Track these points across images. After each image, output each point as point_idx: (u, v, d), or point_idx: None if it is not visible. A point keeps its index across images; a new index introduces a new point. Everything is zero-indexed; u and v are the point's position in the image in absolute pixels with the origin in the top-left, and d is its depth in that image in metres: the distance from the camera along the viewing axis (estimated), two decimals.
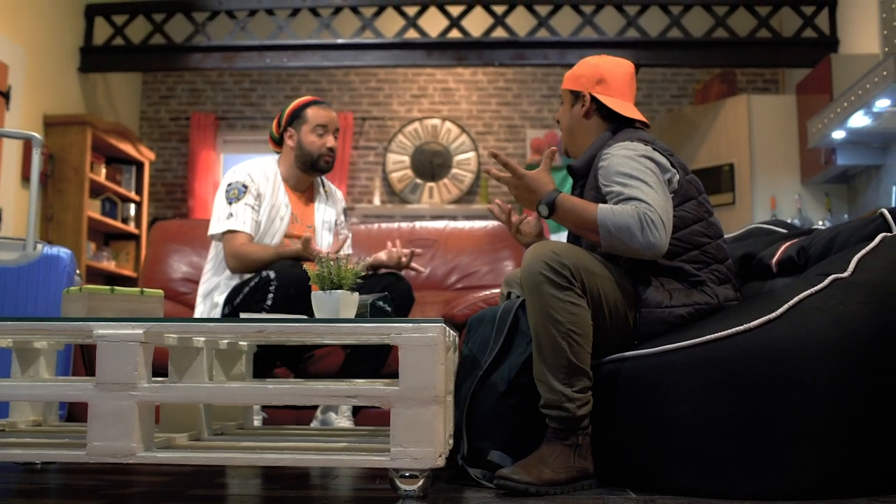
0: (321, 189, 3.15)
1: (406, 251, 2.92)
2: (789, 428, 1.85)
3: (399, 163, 7.21)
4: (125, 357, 1.74)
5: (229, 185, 2.94)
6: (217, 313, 2.90)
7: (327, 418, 2.88)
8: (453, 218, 6.64)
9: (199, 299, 2.99)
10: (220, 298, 2.90)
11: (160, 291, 2.13)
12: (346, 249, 3.15)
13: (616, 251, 2.01)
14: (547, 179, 2.10)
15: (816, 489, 1.85)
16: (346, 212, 3.23)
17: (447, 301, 3.41)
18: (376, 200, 7.09)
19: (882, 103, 4.33)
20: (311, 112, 2.99)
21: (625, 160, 2.08)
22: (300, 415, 3.08)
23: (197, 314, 3.00)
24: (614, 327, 2.05)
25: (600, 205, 2.02)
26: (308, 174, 3.03)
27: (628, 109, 2.27)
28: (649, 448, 1.98)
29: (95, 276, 6.08)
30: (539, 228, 2.47)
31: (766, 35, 5.93)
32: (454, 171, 7.19)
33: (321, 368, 3.02)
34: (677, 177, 2.14)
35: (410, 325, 1.68)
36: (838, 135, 4.82)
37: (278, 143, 3.07)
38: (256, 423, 2.81)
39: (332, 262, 1.99)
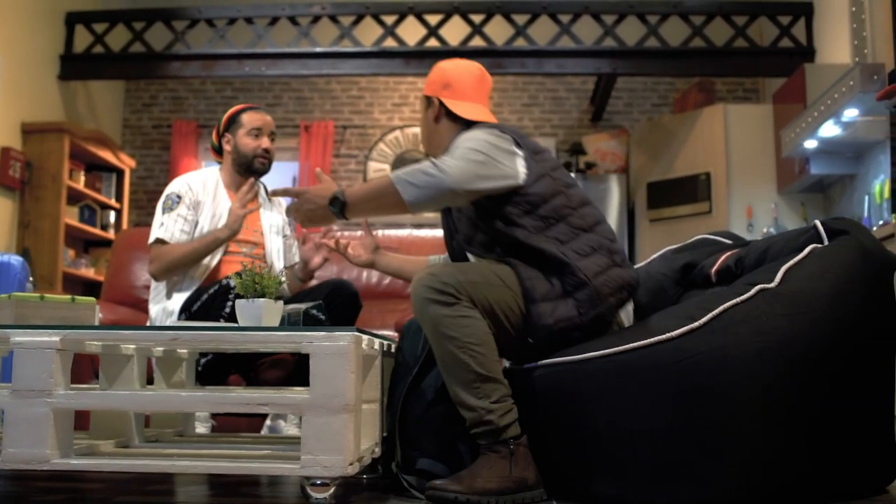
0: (265, 196, 3.20)
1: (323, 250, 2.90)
2: (709, 438, 1.85)
3: (380, 171, 7.21)
4: (41, 364, 1.74)
5: (167, 196, 2.99)
6: (173, 320, 2.90)
7: (276, 426, 2.89)
8: (432, 227, 6.63)
9: (150, 305, 3.00)
10: (173, 305, 2.91)
11: (91, 299, 2.14)
12: (295, 258, 3.17)
13: (423, 201, 1.98)
14: (326, 187, 2.08)
15: (735, 500, 1.85)
16: (292, 221, 3.26)
17: (406, 309, 3.41)
18: None
19: (850, 113, 4.34)
20: (245, 117, 3.05)
21: (463, 141, 2.10)
22: (252, 422, 3.08)
23: (150, 322, 3.00)
24: (518, 330, 2.04)
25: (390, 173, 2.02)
26: (246, 177, 3.05)
27: (476, 112, 2.29)
28: (572, 456, 1.98)
29: (73, 282, 6.09)
30: (373, 245, 2.53)
31: (743, 44, 5.94)
32: None
33: (272, 376, 3.01)
34: (522, 153, 2.14)
35: (321, 333, 1.68)
36: (810, 144, 4.83)
37: (219, 152, 3.11)
38: (204, 430, 2.81)
39: (256, 271, 1.99)
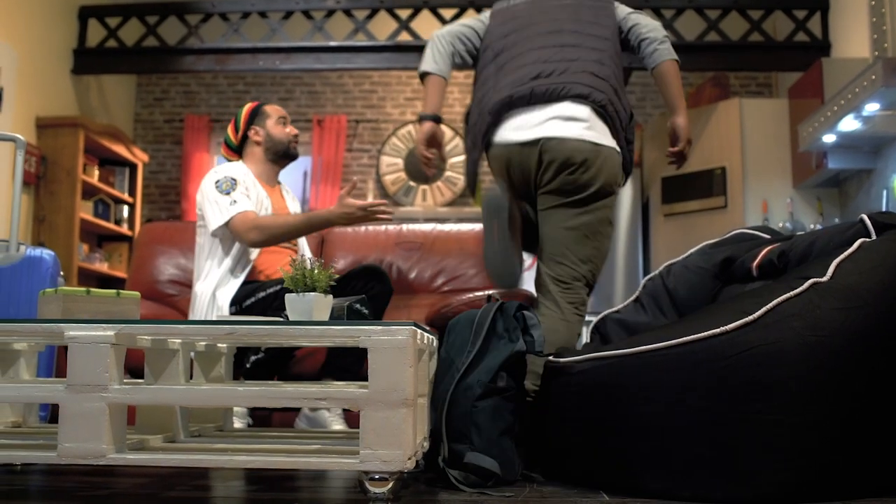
0: (283, 186, 3.33)
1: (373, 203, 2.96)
2: (762, 432, 1.84)
3: (392, 165, 7.21)
4: (96, 359, 1.73)
5: (217, 181, 3.01)
6: (224, 314, 2.86)
7: (318, 416, 2.87)
8: (444, 220, 6.63)
9: (200, 297, 2.94)
10: (223, 296, 2.88)
11: (136, 293, 2.13)
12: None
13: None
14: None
15: (788, 495, 1.84)
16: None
17: (433, 304, 3.40)
18: None
19: (871, 107, 4.33)
20: (269, 108, 3.21)
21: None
22: (284, 417, 3.08)
23: (198, 315, 2.94)
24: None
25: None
26: (279, 164, 3.22)
27: None
28: (620, 450, 1.97)
29: (88, 277, 6.08)
30: None
31: (758, 39, 5.93)
32: (448, 173, 7.18)
33: (302, 370, 3.01)
34: None
35: (380, 327, 1.68)
36: (829, 139, 4.82)
37: (237, 150, 3.22)
38: (241, 425, 2.81)
39: (305, 266, 1.99)
